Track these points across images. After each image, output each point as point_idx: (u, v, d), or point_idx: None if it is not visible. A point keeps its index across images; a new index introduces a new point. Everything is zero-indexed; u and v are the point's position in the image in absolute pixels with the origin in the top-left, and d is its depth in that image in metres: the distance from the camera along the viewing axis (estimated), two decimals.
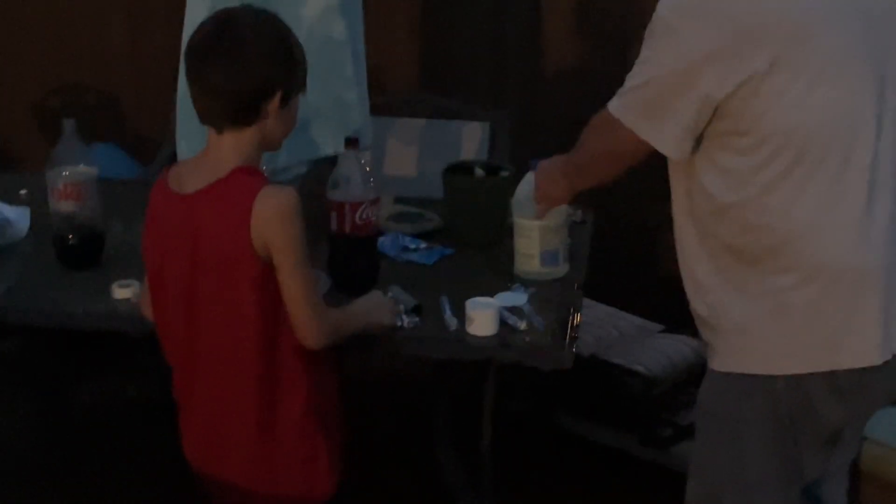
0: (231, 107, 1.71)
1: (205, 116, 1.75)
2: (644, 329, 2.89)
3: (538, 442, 2.71)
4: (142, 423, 2.40)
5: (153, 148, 3.19)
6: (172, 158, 2.94)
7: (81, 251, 2.18)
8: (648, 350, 2.73)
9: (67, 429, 2.88)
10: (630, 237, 3.26)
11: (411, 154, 2.97)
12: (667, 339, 2.80)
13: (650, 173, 3.22)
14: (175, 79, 2.22)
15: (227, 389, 1.78)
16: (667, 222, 3.43)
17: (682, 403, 2.54)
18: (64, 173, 2.15)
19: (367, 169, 2.11)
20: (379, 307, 1.92)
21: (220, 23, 1.73)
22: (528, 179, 2.13)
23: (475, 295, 1.98)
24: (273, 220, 1.69)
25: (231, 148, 1.73)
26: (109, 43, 3.54)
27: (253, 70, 1.70)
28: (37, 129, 3.54)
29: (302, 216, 1.72)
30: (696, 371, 2.21)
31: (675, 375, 2.64)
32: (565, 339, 1.92)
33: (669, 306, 3.01)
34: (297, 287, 1.72)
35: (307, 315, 1.74)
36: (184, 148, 2.29)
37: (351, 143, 2.08)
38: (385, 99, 2.87)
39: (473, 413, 2.27)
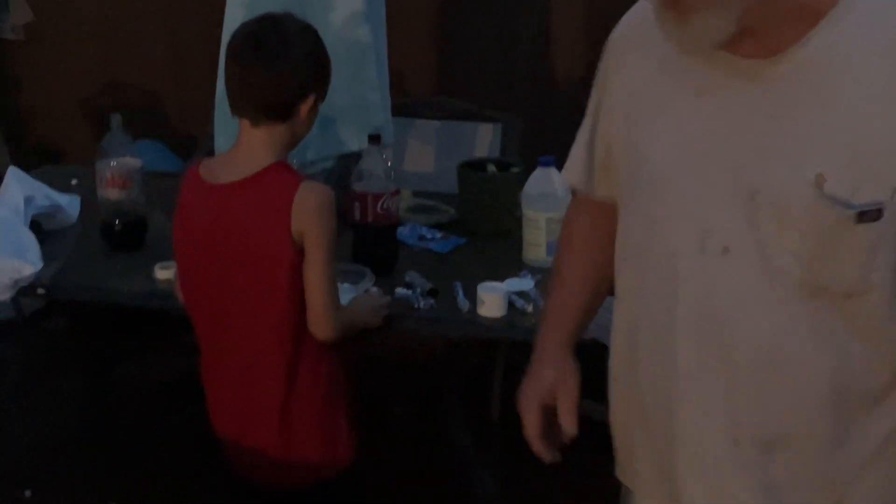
0: (271, 102, 1.83)
1: (243, 109, 1.86)
2: None
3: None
4: (180, 400, 2.54)
5: (193, 145, 3.37)
6: (211, 155, 3.16)
7: (126, 235, 2.37)
8: None
9: (109, 406, 3.02)
10: None
11: (428, 152, 3.15)
12: None
13: None
14: (214, 80, 2.42)
15: (256, 367, 1.90)
16: None
17: None
18: (112, 163, 2.35)
19: (388, 164, 2.29)
20: (375, 310, 2.04)
21: (267, 24, 1.86)
22: (538, 175, 2.32)
23: (486, 281, 2.16)
24: (312, 212, 1.81)
25: (263, 143, 1.86)
26: (152, 44, 3.72)
27: (296, 71, 1.84)
28: (84, 125, 3.73)
29: (336, 214, 1.85)
30: None
31: None
32: None
33: None
34: (321, 279, 1.83)
35: (326, 308, 1.84)
36: (221, 144, 2.46)
37: (374, 139, 2.28)
38: (405, 101, 3.05)
39: (482, 393, 2.42)
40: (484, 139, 3.13)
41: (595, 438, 2.73)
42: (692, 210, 1.25)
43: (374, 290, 2.14)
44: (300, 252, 1.83)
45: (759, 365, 1.24)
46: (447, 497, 2.63)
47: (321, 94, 1.92)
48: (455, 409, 2.48)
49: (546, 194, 2.31)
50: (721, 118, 1.23)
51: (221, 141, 2.46)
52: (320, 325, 1.86)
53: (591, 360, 2.77)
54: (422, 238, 2.48)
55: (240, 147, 1.90)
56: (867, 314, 1.22)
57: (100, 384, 3.00)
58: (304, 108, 1.87)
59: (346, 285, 2.10)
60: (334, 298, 1.87)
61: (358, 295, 2.10)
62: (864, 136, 1.15)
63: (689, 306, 1.27)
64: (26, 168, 2.90)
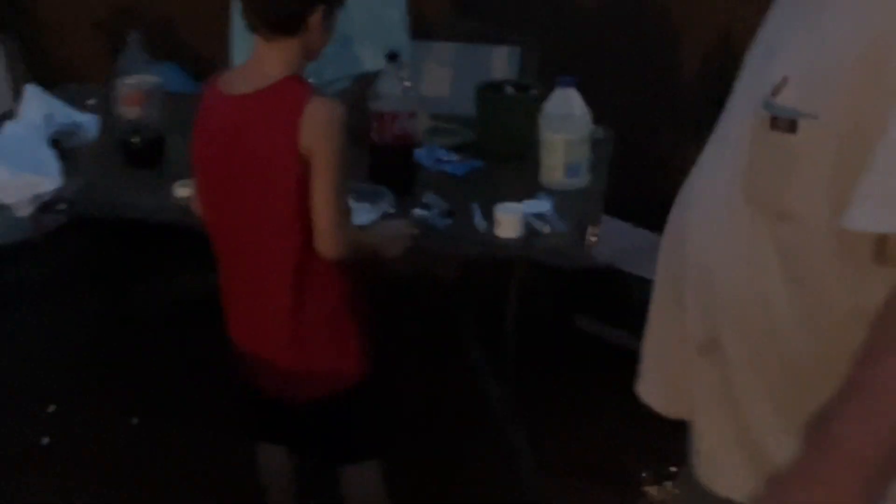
0: (276, 15, 1.82)
1: (253, 25, 1.87)
2: (646, 238, 3.01)
3: (557, 340, 2.90)
4: (198, 316, 2.57)
5: (208, 68, 3.34)
6: None
7: (145, 152, 2.39)
8: (654, 258, 2.89)
9: (128, 322, 3.07)
10: (645, 156, 3.40)
11: (446, 75, 3.13)
12: None
13: (664, 95, 3.40)
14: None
15: (266, 279, 1.92)
16: (680, 144, 3.58)
17: None
18: (129, 81, 2.35)
19: (407, 84, 2.28)
20: (394, 240, 2.02)
21: None
22: (557, 96, 2.31)
23: (502, 201, 2.17)
24: (321, 126, 1.81)
25: (277, 57, 1.85)
26: None
27: None
28: (97, 45, 3.71)
29: (346, 130, 1.84)
30: None
31: None
32: (584, 241, 2.11)
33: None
34: (328, 195, 1.81)
35: (332, 223, 1.83)
36: (238, 61, 2.46)
37: (392, 57, 2.26)
38: (421, 24, 3.02)
39: (497, 315, 2.45)
40: (501, 62, 3.11)
41: (604, 360, 2.81)
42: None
43: (402, 221, 2.11)
44: (307, 166, 1.82)
45: (705, 268, 1.24)
46: (460, 410, 2.67)
47: (334, 5, 1.89)
48: (469, 325, 2.51)
49: (565, 116, 2.30)
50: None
51: (239, 59, 2.45)
52: (325, 241, 1.85)
53: (607, 282, 2.81)
54: (439, 160, 2.48)
55: (255, 60, 1.90)
56: (794, 245, 1.15)
57: (119, 301, 3.03)
58: (314, 20, 1.85)
59: (364, 205, 2.11)
60: (341, 216, 1.86)
61: (379, 218, 2.10)
62: (823, 53, 1.11)
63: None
64: (41, 86, 2.93)
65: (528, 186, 2.32)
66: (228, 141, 1.88)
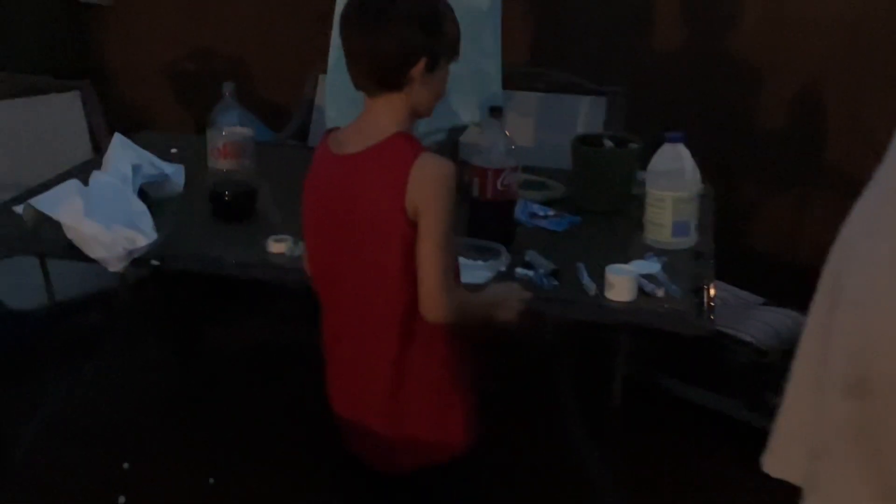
0: (375, 70, 1.76)
1: (356, 81, 1.82)
2: (746, 300, 2.96)
3: (644, 402, 2.80)
4: (276, 369, 2.50)
5: (279, 114, 3.30)
6: (304, 127, 3.10)
7: (237, 206, 2.32)
8: (754, 320, 2.80)
9: (205, 374, 2.99)
10: (729, 210, 3.33)
11: (530, 126, 3.06)
12: (770, 311, 2.86)
13: (750, 146, 3.33)
14: (304, 46, 2.34)
15: (370, 341, 1.86)
16: (764, 196, 3.51)
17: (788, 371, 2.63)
18: (224, 133, 2.28)
19: (508, 136, 2.21)
20: (507, 303, 1.90)
21: None
22: (665, 151, 2.22)
23: (608, 261, 2.07)
24: (428, 185, 1.74)
25: (384, 113, 1.80)
26: (239, 7, 3.64)
27: (397, 34, 1.75)
28: (169, 92, 3.68)
29: (455, 189, 1.76)
30: None
31: (782, 346, 2.73)
32: (703, 306, 2.01)
33: (768, 280, 3.11)
34: (433, 256, 1.74)
35: (437, 287, 1.75)
36: (333, 115, 2.39)
37: (496, 111, 2.19)
38: (502, 73, 2.95)
39: (593, 376, 2.35)
40: (588, 113, 3.04)
41: (692, 424, 2.70)
42: None
43: (514, 283, 2.01)
44: (413, 226, 1.76)
45: (860, 305, 1.33)
46: (558, 475, 2.56)
47: (439, 57, 1.82)
48: (569, 388, 2.41)
49: (674, 172, 2.22)
50: None
51: (334, 113, 2.39)
52: (430, 305, 1.77)
53: (697, 342, 2.67)
54: (534, 215, 2.40)
55: (363, 118, 1.85)
56: None
57: (194, 351, 2.96)
58: (416, 72, 1.78)
59: (479, 263, 2.03)
60: (447, 278, 1.78)
61: (494, 277, 2.02)
62: None
63: None
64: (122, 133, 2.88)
65: (633, 244, 2.24)
66: (337, 201, 1.82)
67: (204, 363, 3.03)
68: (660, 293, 2.04)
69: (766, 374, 2.67)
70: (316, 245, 1.91)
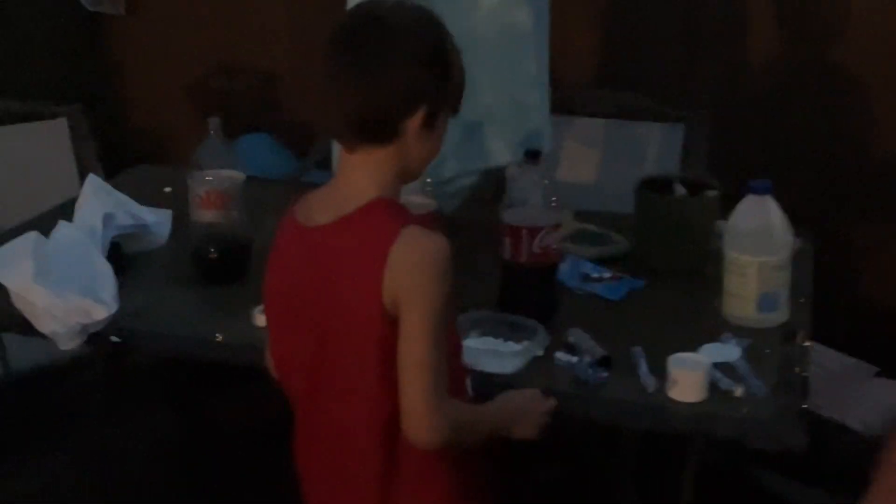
0: (361, 117, 1.39)
1: (332, 128, 1.45)
2: (855, 370, 2.51)
3: (734, 500, 2.35)
4: (275, 441, 2.16)
5: (310, 136, 2.97)
6: (329, 153, 2.72)
7: (224, 266, 1.94)
8: (863, 399, 2.37)
9: (199, 445, 2.71)
10: (832, 259, 2.85)
11: (591, 160, 2.64)
12: (884, 384, 2.44)
13: (859, 180, 2.86)
14: None
15: (346, 467, 1.48)
16: (879, 242, 3.02)
17: None
18: (207, 178, 1.92)
19: (548, 187, 1.78)
20: (524, 418, 1.52)
21: (363, 16, 1.42)
22: (749, 205, 1.77)
23: (673, 343, 1.66)
24: (411, 270, 1.35)
25: (363, 172, 1.42)
26: (267, 18, 3.33)
27: (394, 74, 1.38)
28: (195, 110, 3.36)
29: (451, 273, 1.37)
30: None
31: None
32: (795, 411, 1.57)
33: (882, 343, 2.63)
34: (418, 363, 1.37)
35: (422, 401, 1.37)
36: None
37: (533, 156, 1.78)
38: (560, 95, 2.54)
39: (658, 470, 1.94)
40: (661, 143, 2.62)
41: None
42: None
43: (533, 391, 1.57)
44: (393, 324, 1.37)
45: None
46: None
47: (442, 104, 1.43)
48: (631, 494, 1.98)
49: (759, 231, 1.77)
50: None
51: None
52: (414, 424, 1.38)
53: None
54: (586, 278, 1.97)
55: (337, 179, 1.47)
56: None
57: (190, 422, 2.67)
58: (412, 125, 1.40)
59: (509, 344, 1.67)
60: (436, 389, 1.38)
61: (524, 365, 1.61)
62: None
63: None
64: (122, 165, 2.56)
65: (707, 319, 1.81)
66: (302, 287, 1.45)
67: (204, 427, 2.73)
68: (737, 392, 1.60)
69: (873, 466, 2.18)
70: (280, 338, 1.53)
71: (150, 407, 2.73)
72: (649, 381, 1.62)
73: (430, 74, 1.40)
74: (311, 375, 1.47)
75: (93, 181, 2.06)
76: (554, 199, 1.78)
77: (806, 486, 2.30)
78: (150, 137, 3.41)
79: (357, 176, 1.42)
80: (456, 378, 1.46)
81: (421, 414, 1.37)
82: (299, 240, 1.46)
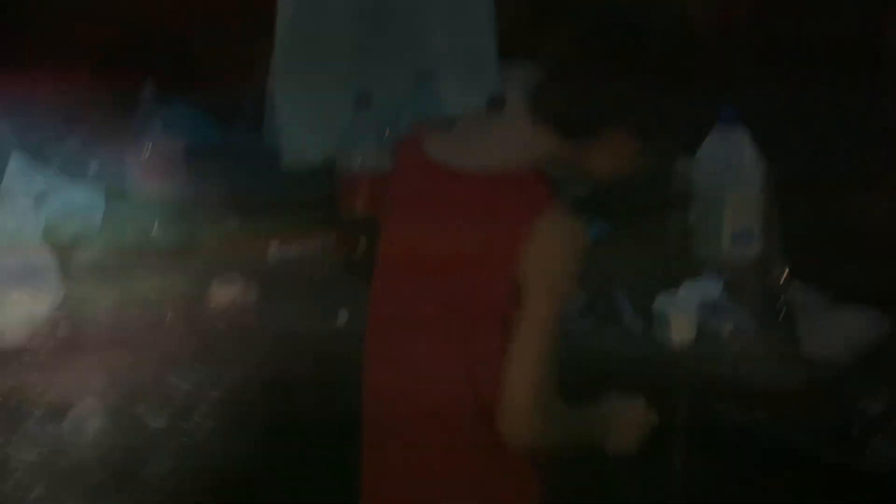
0: None
1: None
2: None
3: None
4: None
5: (231, 106, 2.85)
6: (256, 119, 2.59)
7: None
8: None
9: None
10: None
11: None
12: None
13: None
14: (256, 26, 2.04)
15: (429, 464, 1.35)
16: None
17: None
18: (147, 147, 1.79)
19: None
20: (625, 429, 1.40)
21: None
22: (715, 137, 1.75)
23: (648, 285, 1.65)
24: (552, 253, 1.25)
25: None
26: None
27: None
28: (101, 81, 3.19)
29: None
30: None
31: None
32: (799, 340, 1.54)
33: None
34: (535, 351, 1.26)
35: (530, 395, 1.26)
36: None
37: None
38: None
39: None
40: None
41: None
42: None
43: (638, 402, 1.43)
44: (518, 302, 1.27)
45: None
46: None
47: None
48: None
49: (728, 164, 1.74)
50: None
51: (281, 104, 2.03)
52: (514, 422, 1.27)
53: None
54: None
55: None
56: None
57: None
58: None
59: None
60: (546, 387, 1.28)
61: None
62: None
63: None
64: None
65: (677, 258, 1.77)
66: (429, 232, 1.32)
67: None
68: (727, 328, 1.59)
69: None
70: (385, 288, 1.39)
71: None
72: (636, 323, 1.59)
73: None
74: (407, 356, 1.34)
75: (19, 160, 1.91)
76: None
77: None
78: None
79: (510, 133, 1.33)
80: None
81: (526, 413, 1.26)
82: (432, 176, 1.32)
